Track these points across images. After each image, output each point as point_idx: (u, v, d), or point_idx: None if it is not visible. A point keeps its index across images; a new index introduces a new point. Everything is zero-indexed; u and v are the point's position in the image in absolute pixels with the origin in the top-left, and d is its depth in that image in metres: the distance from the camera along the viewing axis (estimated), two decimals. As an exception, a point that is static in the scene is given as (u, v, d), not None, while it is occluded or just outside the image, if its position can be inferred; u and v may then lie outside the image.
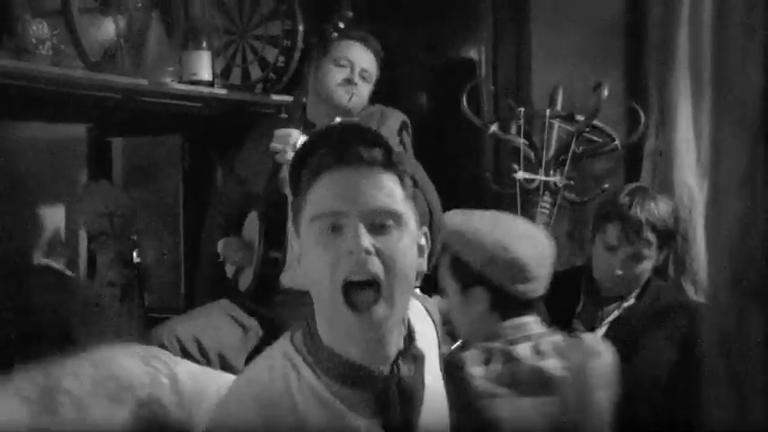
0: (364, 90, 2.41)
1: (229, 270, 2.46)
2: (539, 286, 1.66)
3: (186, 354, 2.13)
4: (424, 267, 1.25)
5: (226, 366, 2.21)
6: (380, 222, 1.16)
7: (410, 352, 1.24)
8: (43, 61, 2.17)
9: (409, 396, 1.21)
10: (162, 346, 2.11)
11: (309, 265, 1.18)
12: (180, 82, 2.55)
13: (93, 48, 2.34)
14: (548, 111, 2.33)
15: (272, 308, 2.35)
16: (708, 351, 2.31)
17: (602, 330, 2.18)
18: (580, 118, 2.48)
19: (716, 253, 2.49)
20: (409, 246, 1.19)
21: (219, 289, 2.80)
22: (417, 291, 1.43)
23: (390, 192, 1.17)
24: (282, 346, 1.25)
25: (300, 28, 2.80)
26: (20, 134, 2.67)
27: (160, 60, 2.57)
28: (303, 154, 1.21)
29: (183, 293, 2.84)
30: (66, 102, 2.39)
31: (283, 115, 2.58)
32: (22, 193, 2.67)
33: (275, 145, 2.23)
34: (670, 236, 2.16)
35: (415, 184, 1.23)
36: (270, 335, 2.33)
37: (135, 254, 2.76)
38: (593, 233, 2.20)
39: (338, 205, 1.16)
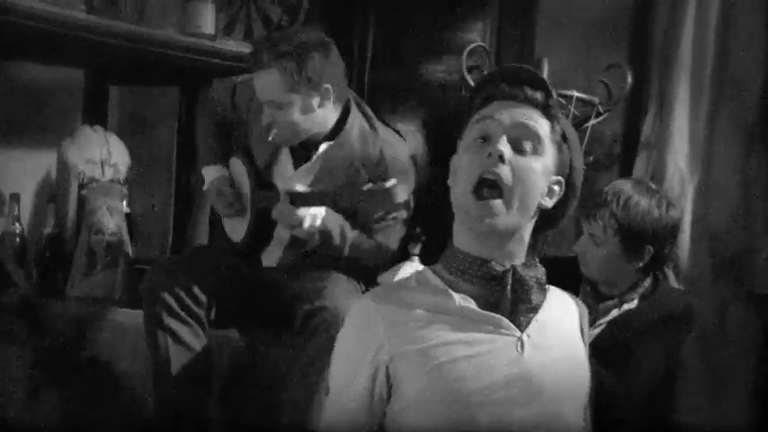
0: (285, 116, 2.18)
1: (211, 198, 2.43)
2: None
3: (192, 294, 2.13)
4: (549, 205, 1.39)
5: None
6: (523, 140, 1.33)
7: (537, 272, 1.39)
8: (44, 0, 2.14)
9: (523, 296, 1.36)
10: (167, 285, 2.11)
11: (459, 166, 1.37)
12: (182, 33, 2.53)
13: (96, -9, 2.32)
14: (574, 92, 2.31)
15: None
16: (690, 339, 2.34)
17: (597, 330, 2.07)
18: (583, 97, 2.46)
19: (701, 241, 2.52)
20: (540, 173, 1.35)
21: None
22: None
23: (538, 123, 1.35)
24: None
25: (307, -12, 2.78)
26: (17, 75, 2.65)
27: (163, 10, 2.56)
28: (483, 83, 1.41)
29: (171, 246, 2.84)
30: (65, 44, 2.37)
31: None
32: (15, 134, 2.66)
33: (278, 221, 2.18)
34: (633, 234, 2.00)
35: (564, 139, 1.39)
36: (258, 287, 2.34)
37: (125, 204, 2.75)
38: None
39: (492, 113, 1.35)
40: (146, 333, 2.16)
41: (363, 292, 2.29)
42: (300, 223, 2.13)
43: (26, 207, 2.74)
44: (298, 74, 2.15)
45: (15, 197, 2.64)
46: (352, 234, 2.24)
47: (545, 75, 2.38)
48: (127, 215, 2.75)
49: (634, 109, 2.59)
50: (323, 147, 2.27)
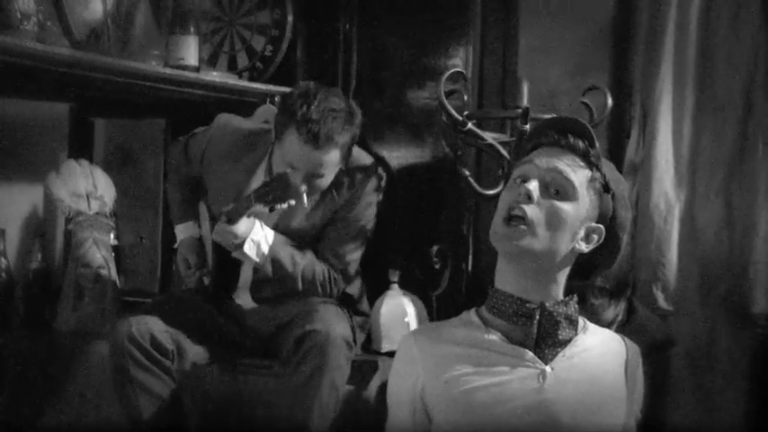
0: (321, 182, 2.17)
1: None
2: None
3: (156, 344, 2.14)
4: (584, 250, 1.44)
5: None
6: (554, 183, 1.42)
7: (568, 308, 1.44)
8: (27, 37, 2.14)
9: (551, 330, 1.42)
10: (131, 336, 2.12)
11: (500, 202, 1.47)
12: (166, 66, 2.54)
13: (80, 26, 2.33)
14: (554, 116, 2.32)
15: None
16: (676, 359, 2.35)
17: None
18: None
19: (689, 261, 2.53)
20: (570, 216, 1.41)
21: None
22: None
23: (574, 168, 1.43)
24: None
25: (290, 18, 2.81)
26: (1, 111, 2.65)
27: (146, 43, 2.57)
28: (535, 131, 1.52)
29: (159, 278, 2.83)
30: (50, 80, 2.37)
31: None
32: None
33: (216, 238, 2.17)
34: (622, 285, 2.05)
35: (606, 189, 1.45)
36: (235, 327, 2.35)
37: (112, 236, 2.74)
38: None
39: (534, 158, 1.45)
40: (114, 386, 2.15)
41: (350, 318, 2.33)
42: (241, 244, 2.13)
43: (12, 242, 2.73)
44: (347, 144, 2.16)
45: (1, 233, 2.63)
46: (303, 261, 2.24)
47: (525, 97, 2.41)
48: (115, 248, 2.74)
49: (617, 131, 2.62)
50: None
